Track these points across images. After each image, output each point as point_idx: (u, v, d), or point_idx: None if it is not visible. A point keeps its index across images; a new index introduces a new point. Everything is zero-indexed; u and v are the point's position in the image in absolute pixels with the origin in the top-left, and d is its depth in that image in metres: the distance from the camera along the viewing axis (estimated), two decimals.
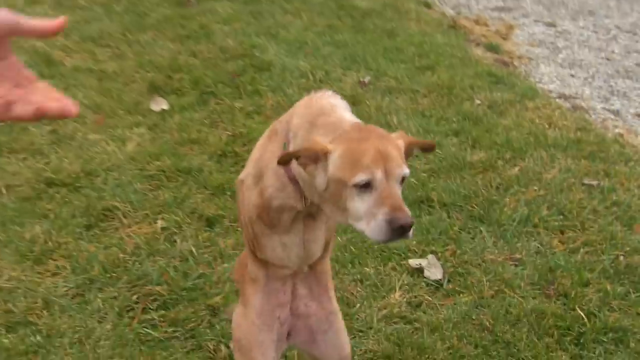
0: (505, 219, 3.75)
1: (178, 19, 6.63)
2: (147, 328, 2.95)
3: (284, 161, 1.76)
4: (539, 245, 3.58)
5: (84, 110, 4.67)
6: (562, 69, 6.13)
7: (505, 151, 4.43)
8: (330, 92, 1.92)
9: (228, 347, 2.86)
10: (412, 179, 4.02)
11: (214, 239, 3.53)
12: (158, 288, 3.16)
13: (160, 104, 4.90)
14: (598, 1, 7.78)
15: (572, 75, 6.00)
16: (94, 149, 4.27)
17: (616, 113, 5.30)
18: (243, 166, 4.25)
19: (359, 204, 1.70)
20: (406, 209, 1.66)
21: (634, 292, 3.24)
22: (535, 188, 4.03)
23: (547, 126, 4.78)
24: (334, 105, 1.88)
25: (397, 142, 1.77)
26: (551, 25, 7.19)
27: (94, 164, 4.10)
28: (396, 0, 7.33)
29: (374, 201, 1.69)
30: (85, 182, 3.92)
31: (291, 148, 1.83)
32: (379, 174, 1.69)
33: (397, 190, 1.72)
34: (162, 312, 3.05)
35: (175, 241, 3.51)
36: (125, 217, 3.64)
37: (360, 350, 2.88)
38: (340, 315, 2.22)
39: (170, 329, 2.97)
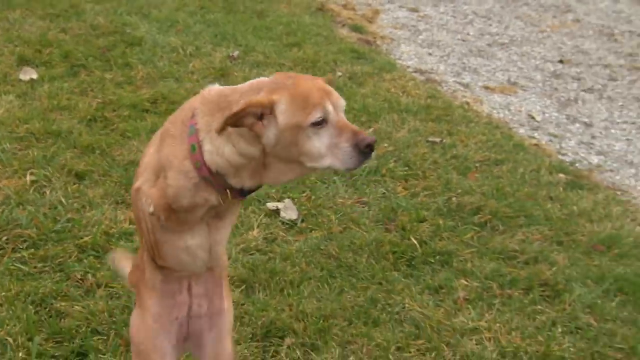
0: (357, 171, 4.24)
1: None
2: (17, 264, 3.24)
3: (232, 123, 1.76)
4: (385, 191, 4.10)
5: None
6: (421, 48, 6.76)
7: (361, 115, 4.95)
8: (216, 84, 1.93)
9: (95, 276, 3.21)
10: None
11: (83, 190, 3.84)
12: (28, 231, 3.44)
13: (29, 74, 5.13)
14: None
15: (430, 54, 6.63)
16: None
17: (466, 85, 5.95)
18: (112, 129, 4.59)
19: (318, 142, 1.76)
20: (365, 132, 1.77)
21: (461, 225, 3.80)
22: (386, 145, 4.56)
23: (400, 94, 5.34)
24: (228, 87, 1.89)
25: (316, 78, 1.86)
26: (414, 10, 7.84)
27: None
28: None
29: (332, 134, 1.77)
30: None
31: (205, 144, 1.84)
32: (329, 107, 1.77)
33: (345, 119, 1.81)
34: (32, 250, 3.35)
35: (44, 193, 3.79)
36: None
37: None
38: (228, 315, 2.22)
39: (39, 264, 3.27)
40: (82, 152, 4.21)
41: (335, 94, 1.81)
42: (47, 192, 3.79)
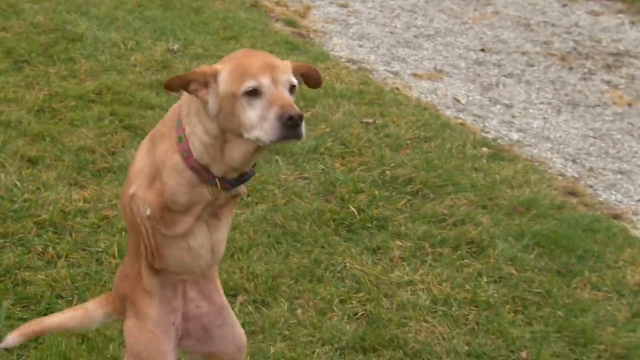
0: (297, 150, 4.50)
1: None
2: None
3: (174, 84, 1.87)
4: (324, 167, 4.37)
5: None
6: (352, 40, 7.07)
7: (299, 101, 5.21)
8: None
9: (55, 249, 3.39)
10: None
11: (36, 174, 4.00)
12: None
13: None
14: None
15: (360, 46, 6.95)
16: None
17: (395, 73, 6.28)
18: (61, 119, 4.73)
19: (250, 112, 1.80)
20: (295, 107, 1.78)
21: (395, 195, 4.10)
22: (323, 126, 4.84)
23: (335, 81, 5.63)
24: None
25: (283, 60, 1.91)
26: (344, 6, 8.14)
27: None
28: None
29: (264, 105, 1.79)
30: None
31: (187, 132, 1.91)
32: (265, 80, 1.79)
33: (287, 94, 1.83)
34: None
35: None
36: None
37: None
38: (230, 308, 2.31)
39: (0, 241, 3.43)
40: (33, 140, 4.35)
41: (282, 70, 1.84)
42: (2, 176, 3.94)
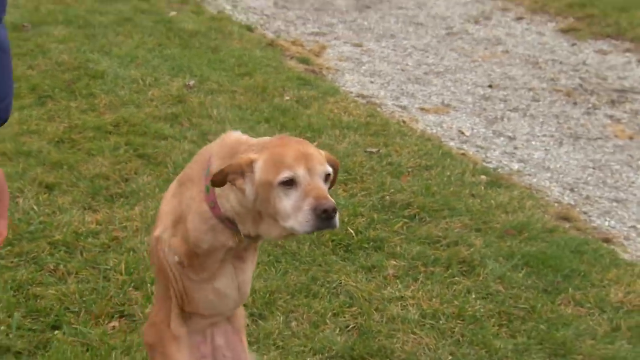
0: None
1: (14, 41, 7.22)
2: None
3: (218, 180, 1.89)
4: None
5: None
6: (363, 77, 7.29)
7: (306, 132, 5.42)
8: (238, 131, 2.08)
9: (66, 267, 3.59)
10: None
11: (52, 199, 4.22)
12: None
13: None
14: (399, 27, 9.11)
15: (372, 82, 7.17)
16: None
17: (403, 107, 6.47)
18: (79, 149, 4.97)
19: (286, 202, 1.83)
20: (330, 197, 1.83)
21: (393, 218, 4.26)
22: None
23: (342, 114, 5.84)
24: (247, 138, 2.03)
25: (317, 148, 1.94)
26: (358, 45, 8.39)
27: None
28: (221, 24, 8.27)
29: (299, 196, 1.82)
30: None
31: (217, 192, 1.95)
32: (301, 171, 1.83)
33: (322, 184, 1.87)
34: (9, 248, 3.72)
35: (17, 202, 4.17)
36: None
37: None
38: None
39: (15, 259, 3.64)
40: (52, 168, 4.60)
41: (316, 160, 1.87)
42: (20, 201, 4.17)
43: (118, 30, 7.87)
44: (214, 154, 2.01)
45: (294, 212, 1.83)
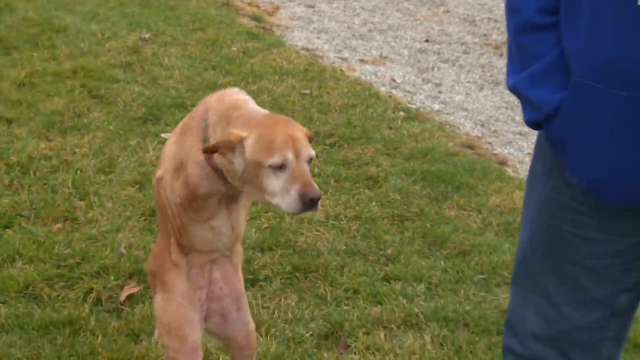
0: None
1: None
2: None
3: (209, 151, 2.00)
4: None
5: None
6: (310, 34, 7.69)
7: (248, 77, 5.84)
8: (237, 89, 2.17)
9: (20, 182, 4.01)
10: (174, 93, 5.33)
11: (11, 130, 4.63)
12: None
13: None
14: None
15: (318, 38, 7.57)
16: None
17: (344, 59, 6.89)
18: (39, 91, 5.36)
19: (274, 182, 1.93)
20: (315, 185, 1.92)
21: (315, 146, 4.69)
22: (265, 96, 5.46)
23: (284, 63, 6.25)
24: (244, 100, 2.11)
25: (301, 128, 2.04)
26: (311, 6, 8.78)
27: None
28: None
29: (287, 179, 1.91)
30: None
31: (212, 140, 2.05)
32: (290, 155, 1.91)
33: (307, 168, 1.96)
34: None
35: None
36: None
37: None
38: (246, 297, 2.47)
39: None
40: (12, 106, 4.99)
41: (303, 143, 1.97)
42: None
43: None
44: (211, 108, 2.11)
45: (282, 193, 1.93)
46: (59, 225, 3.70)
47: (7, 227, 3.63)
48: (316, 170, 4.37)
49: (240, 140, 1.96)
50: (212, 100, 2.15)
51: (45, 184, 4.07)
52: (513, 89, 1.83)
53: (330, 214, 3.87)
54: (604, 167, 1.73)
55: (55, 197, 3.92)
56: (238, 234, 2.30)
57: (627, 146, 1.68)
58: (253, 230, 3.72)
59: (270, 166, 1.92)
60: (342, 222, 3.81)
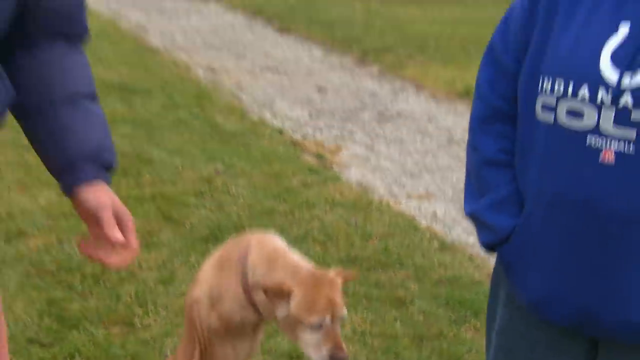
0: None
1: None
2: None
3: (267, 291, 2.14)
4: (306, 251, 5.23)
5: None
6: (366, 171, 8.07)
7: (302, 206, 6.16)
8: (274, 234, 2.38)
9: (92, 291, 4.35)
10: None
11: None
12: None
13: None
14: (409, 135, 9.94)
15: (372, 175, 7.93)
16: None
17: (393, 194, 7.18)
18: None
19: (309, 337, 2.10)
20: (344, 347, 2.11)
21: (352, 268, 4.90)
22: (315, 222, 5.73)
23: (337, 195, 6.58)
24: (284, 249, 2.29)
25: (339, 285, 2.18)
26: (370, 147, 9.22)
27: None
28: (257, 128, 9.23)
29: (321, 338, 2.08)
30: None
31: (250, 279, 2.19)
32: (328, 319, 2.10)
33: (339, 329, 2.14)
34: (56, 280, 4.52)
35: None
36: None
37: None
38: None
39: (52, 283, 4.43)
40: None
41: (340, 307, 2.15)
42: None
43: (172, 130, 8.91)
44: (252, 249, 2.27)
45: (314, 349, 2.11)
46: (117, 328, 3.97)
47: (73, 328, 3.93)
48: (351, 290, 4.56)
49: (289, 294, 2.13)
50: (252, 243, 2.30)
51: (112, 293, 4.38)
52: (471, 215, 2.03)
53: (357, 330, 4.01)
54: (549, 286, 1.86)
55: (118, 304, 4.22)
56: (254, 353, 2.47)
57: (571, 269, 1.82)
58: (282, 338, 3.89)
59: (309, 324, 2.11)
60: (366, 337, 3.94)
